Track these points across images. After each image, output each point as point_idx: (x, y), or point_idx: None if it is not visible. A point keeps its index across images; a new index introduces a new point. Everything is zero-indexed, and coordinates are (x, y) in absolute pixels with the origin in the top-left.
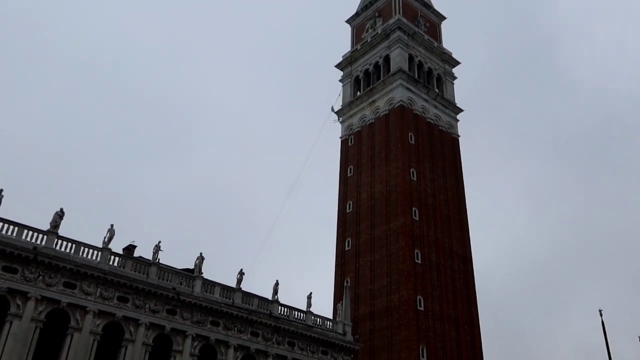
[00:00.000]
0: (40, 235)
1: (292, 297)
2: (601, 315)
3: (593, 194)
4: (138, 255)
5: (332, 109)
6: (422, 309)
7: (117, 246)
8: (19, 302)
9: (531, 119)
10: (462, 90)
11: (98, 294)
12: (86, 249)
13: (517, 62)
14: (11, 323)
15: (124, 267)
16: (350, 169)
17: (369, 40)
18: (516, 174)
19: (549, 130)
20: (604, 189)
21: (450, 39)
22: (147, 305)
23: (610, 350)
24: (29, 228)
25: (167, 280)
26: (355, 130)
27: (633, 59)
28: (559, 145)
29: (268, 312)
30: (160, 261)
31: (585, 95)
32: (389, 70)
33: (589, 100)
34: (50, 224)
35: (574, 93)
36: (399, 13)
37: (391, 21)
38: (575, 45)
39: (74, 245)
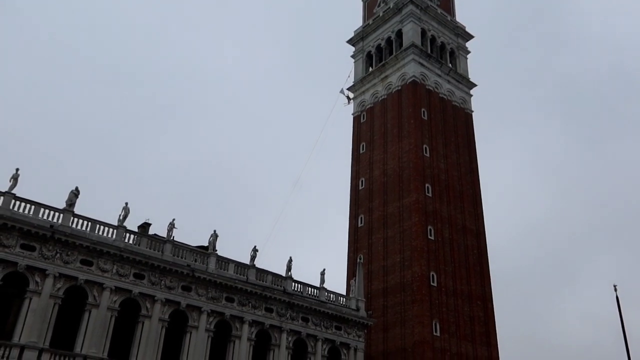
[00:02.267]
0: (57, 214)
1: (305, 273)
2: (616, 290)
3: (606, 162)
4: (153, 233)
5: (342, 91)
6: (435, 284)
7: (132, 224)
8: (38, 279)
9: (543, 85)
10: (476, 64)
11: (114, 271)
12: (102, 227)
13: (525, 19)
14: (30, 300)
15: (139, 245)
16: (363, 145)
17: (380, 14)
18: (529, 146)
19: (560, 95)
20: (617, 155)
21: (463, 10)
22: (163, 282)
23: (623, 320)
24: (46, 206)
25: (181, 258)
26: (367, 107)
27: None
28: (571, 110)
29: (282, 288)
30: (174, 239)
31: (596, 50)
32: (401, 45)
33: (599, 54)
34: (66, 202)
35: (584, 49)
36: None
37: None
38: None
39: (89, 223)
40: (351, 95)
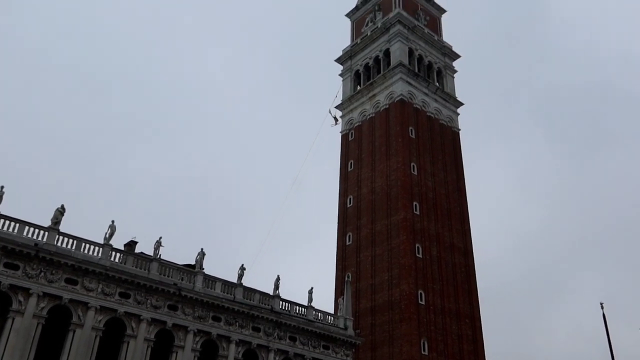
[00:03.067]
0: (42, 232)
1: (293, 292)
2: (602, 308)
3: (593, 175)
4: (139, 251)
5: (330, 112)
6: (423, 303)
7: (118, 242)
8: (21, 299)
9: (529, 100)
10: (463, 82)
11: (100, 290)
12: (87, 245)
13: (511, 36)
14: (13, 319)
15: (125, 263)
16: (351, 163)
17: (369, 34)
18: (515, 162)
19: (544, 109)
20: (603, 169)
21: (450, 30)
22: (149, 301)
23: (610, 339)
24: (31, 224)
25: (168, 276)
26: (355, 125)
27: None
28: (556, 124)
29: (269, 307)
30: (161, 257)
31: (581, 65)
32: (389, 64)
33: (584, 69)
34: (52, 220)
35: (570, 65)
36: (399, 6)
37: (391, 15)
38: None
39: (75, 242)
40: (340, 113)
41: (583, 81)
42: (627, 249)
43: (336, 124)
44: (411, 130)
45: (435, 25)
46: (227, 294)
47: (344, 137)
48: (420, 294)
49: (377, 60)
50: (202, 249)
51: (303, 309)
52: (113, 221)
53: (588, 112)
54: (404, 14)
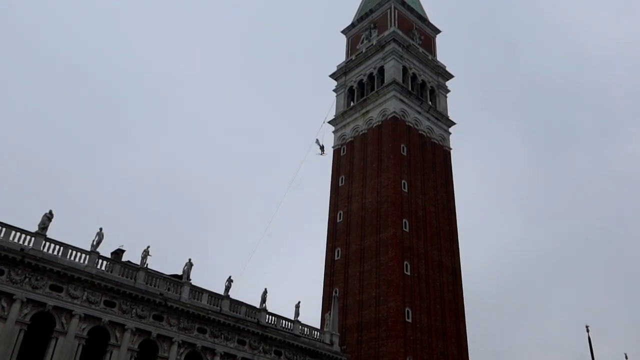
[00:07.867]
0: (28, 237)
1: (280, 305)
2: (588, 331)
3: (584, 200)
4: (126, 259)
5: (317, 142)
6: (410, 320)
7: (105, 250)
8: (4, 304)
9: (511, 114)
10: (455, 103)
11: (84, 297)
12: (74, 252)
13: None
14: None
15: (111, 272)
16: (342, 178)
17: (363, 51)
18: (498, 179)
19: (531, 125)
20: (588, 183)
21: (444, 49)
22: (134, 311)
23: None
24: (17, 229)
25: (154, 286)
26: (347, 141)
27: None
28: (542, 141)
29: (255, 320)
30: (148, 266)
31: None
32: (383, 81)
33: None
34: (39, 225)
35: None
36: (395, 25)
37: (386, 33)
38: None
39: (61, 248)
40: (332, 129)
41: (574, 91)
42: (608, 262)
43: (322, 153)
44: (403, 147)
45: (429, 44)
46: (214, 305)
47: (336, 152)
48: (408, 311)
49: (371, 77)
50: (189, 260)
51: (289, 323)
52: (101, 229)
53: (572, 124)
54: (399, 32)
